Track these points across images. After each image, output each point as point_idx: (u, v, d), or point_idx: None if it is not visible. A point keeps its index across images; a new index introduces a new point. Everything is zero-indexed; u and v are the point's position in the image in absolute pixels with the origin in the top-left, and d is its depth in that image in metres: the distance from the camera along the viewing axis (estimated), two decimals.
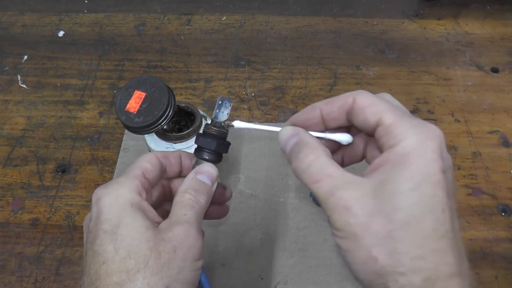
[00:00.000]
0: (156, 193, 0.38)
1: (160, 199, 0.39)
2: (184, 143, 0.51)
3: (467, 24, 0.78)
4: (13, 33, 0.79)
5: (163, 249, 0.31)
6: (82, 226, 0.56)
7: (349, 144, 0.35)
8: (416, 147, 0.29)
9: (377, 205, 0.28)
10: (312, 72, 0.72)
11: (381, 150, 0.31)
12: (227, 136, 0.38)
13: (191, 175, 0.36)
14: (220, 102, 0.37)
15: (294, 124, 0.35)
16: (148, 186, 0.35)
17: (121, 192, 0.33)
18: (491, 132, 0.65)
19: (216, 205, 0.40)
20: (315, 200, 0.56)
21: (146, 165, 0.36)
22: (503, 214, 0.57)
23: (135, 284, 0.30)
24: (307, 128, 0.34)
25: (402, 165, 0.28)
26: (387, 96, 0.33)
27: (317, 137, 0.34)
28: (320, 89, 0.70)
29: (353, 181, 0.30)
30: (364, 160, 0.36)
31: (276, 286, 0.52)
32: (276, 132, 0.35)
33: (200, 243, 0.33)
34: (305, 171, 0.31)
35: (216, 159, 0.38)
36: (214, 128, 0.37)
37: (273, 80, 0.71)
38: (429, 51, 0.75)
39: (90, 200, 0.61)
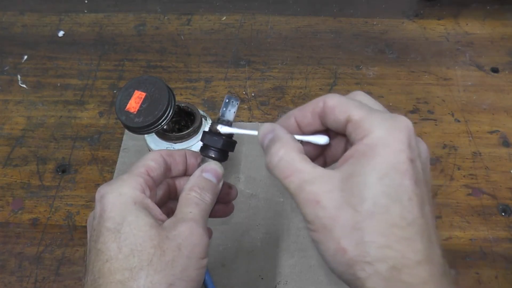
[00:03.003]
0: (161, 191, 0.38)
1: (165, 198, 0.39)
2: (184, 143, 0.51)
3: (467, 24, 0.78)
4: (13, 33, 0.79)
5: (167, 247, 0.31)
6: (82, 226, 0.57)
7: (329, 147, 0.35)
8: (383, 138, 0.29)
9: (345, 197, 0.29)
10: (312, 72, 0.72)
11: (352, 145, 0.31)
12: (233, 134, 0.38)
13: (197, 173, 0.36)
14: (227, 101, 0.37)
15: None
16: (152, 184, 0.35)
17: (124, 189, 0.33)
18: (491, 132, 0.65)
19: (222, 203, 0.40)
20: None
21: (150, 163, 0.36)
22: (503, 214, 0.57)
23: (138, 282, 0.30)
24: None
25: (369, 156, 0.29)
26: (360, 94, 0.34)
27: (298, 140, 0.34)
28: (320, 89, 0.70)
29: (322, 175, 0.30)
30: None
31: (276, 286, 0.52)
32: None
33: (205, 241, 0.33)
34: (276, 166, 0.32)
35: (222, 158, 0.38)
36: (217, 126, 0.37)
37: (273, 80, 0.71)
38: (429, 51, 0.75)
39: (90, 200, 0.61)
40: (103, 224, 0.32)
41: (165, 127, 0.48)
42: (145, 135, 0.53)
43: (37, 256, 0.55)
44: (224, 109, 0.38)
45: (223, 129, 0.37)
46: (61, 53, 0.76)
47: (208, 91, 0.70)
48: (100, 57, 0.75)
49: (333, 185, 0.29)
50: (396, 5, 0.82)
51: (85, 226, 0.57)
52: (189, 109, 0.53)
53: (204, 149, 0.38)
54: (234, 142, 0.38)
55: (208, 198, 0.35)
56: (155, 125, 0.47)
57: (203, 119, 0.53)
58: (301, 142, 0.34)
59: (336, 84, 0.70)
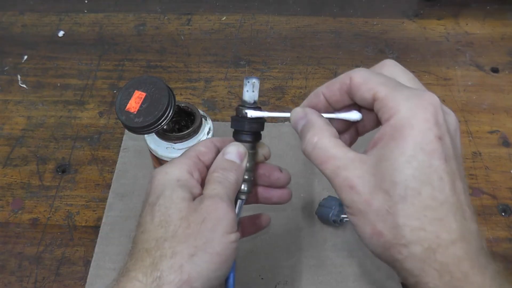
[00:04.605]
0: None
1: None
2: (184, 143, 0.51)
3: (467, 24, 0.78)
4: (13, 33, 0.79)
5: (193, 220, 0.32)
6: (82, 226, 0.57)
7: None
8: (408, 118, 0.29)
9: (377, 181, 0.30)
10: (312, 72, 0.72)
11: (381, 124, 0.31)
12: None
13: (219, 156, 0.37)
14: (246, 82, 0.37)
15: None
16: (203, 168, 0.37)
17: (171, 169, 0.35)
18: (491, 132, 0.65)
19: (276, 189, 0.41)
20: (321, 218, 0.55)
21: (201, 148, 0.37)
22: (503, 214, 0.57)
23: (161, 251, 0.31)
24: None
25: (397, 138, 0.29)
26: (388, 64, 0.34)
27: (328, 118, 0.35)
28: None
29: (354, 159, 0.31)
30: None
31: (276, 286, 0.52)
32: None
33: (231, 216, 0.34)
34: (312, 153, 0.33)
35: (253, 139, 0.38)
36: (243, 109, 0.37)
37: (273, 80, 0.71)
38: (429, 51, 0.75)
39: (90, 200, 0.61)
40: (147, 200, 0.34)
41: (165, 127, 0.48)
42: (145, 135, 0.53)
43: (37, 256, 0.55)
44: (245, 91, 0.37)
45: (250, 112, 0.37)
46: (61, 53, 0.76)
47: (208, 91, 0.70)
48: (100, 57, 0.75)
49: (365, 170, 0.30)
50: (396, 5, 0.82)
51: (85, 226, 0.57)
52: (189, 109, 0.53)
53: (234, 134, 0.38)
54: (261, 122, 0.38)
55: (231, 177, 0.36)
56: (155, 125, 0.47)
57: (203, 119, 0.53)
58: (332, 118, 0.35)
59: None
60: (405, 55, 0.74)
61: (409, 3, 0.82)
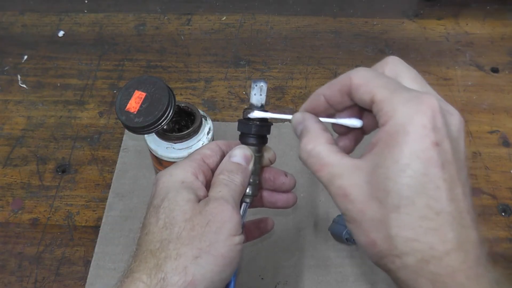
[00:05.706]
0: None
1: None
2: (184, 143, 0.51)
3: (467, 24, 0.78)
4: (13, 33, 0.79)
5: (197, 222, 0.32)
6: (82, 226, 0.57)
7: (366, 118, 0.35)
8: (404, 124, 0.28)
9: (371, 190, 0.29)
10: (312, 72, 0.72)
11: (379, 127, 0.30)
12: (266, 118, 0.38)
13: (225, 159, 0.37)
14: (254, 85, 0.37)
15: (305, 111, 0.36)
16: (207, 170, 0.37)
17: (176, 171, 0.35)
18: (491, 132, 0.65)
19: (281, 193, 0.41)
20: (334, 235, 0.54)
21: (206, 151, 0.37)
22: (503, 214, 0.57)
23: (165, 253, 0.32)
24: (317, 114, 0.35)
25: (391, 145, 0.28)
26: (391, 63, 0.33)
27: (329, 122, 0.34)
28: None
29: (349, 167, 0.30)
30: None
31: (276, 286, 0.52)
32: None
33: (236, 218, 0.34)
34: (307, 161, 0.32)
35: (259, 142, 0.38)
36: (250, 112, 0.37)
37: (273, 80, 0.71)
38: (429, 51, 0.75)
39: (90, 200, 0.61)
40: (151, 202, 0.34)
41: (165, 127, 0.48)
42: (145, 135, 0.53)
43: (37, 256, 0.55)
44: (252, 94, 0.38)
45: (254, 114, 0.37)
46: (61, 53, 0.76)
47: (208, 91, 0.70)
48: (100, 57, 0.75)
49: (360, 178, 0.30)
50: (396, 5, 0.82)
51: (85, 226, 0.57)
52: (189, 109, 0.53)
53: (241, 136, 0.38)
54: (266, 125, 0.38)
55: (237, 179, 0.36)
56: (155, 125, 0.47)
57: (203, 119, 0.53)
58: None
59: None
60: (405, 55, 0.74)
61: (409, 3, 0.82)
